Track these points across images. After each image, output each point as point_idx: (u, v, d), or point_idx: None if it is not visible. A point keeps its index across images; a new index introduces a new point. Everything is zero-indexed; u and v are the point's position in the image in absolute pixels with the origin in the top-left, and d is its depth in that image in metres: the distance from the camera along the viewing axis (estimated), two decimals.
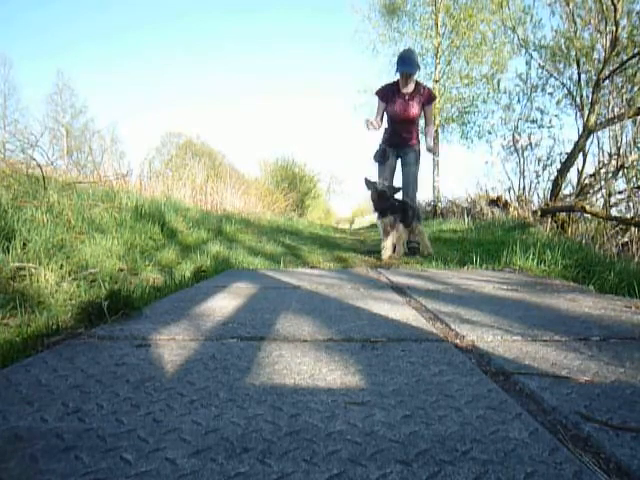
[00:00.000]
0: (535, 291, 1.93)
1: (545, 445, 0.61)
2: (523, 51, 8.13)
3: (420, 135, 4.05)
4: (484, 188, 8.15)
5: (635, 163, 5.86)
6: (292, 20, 57.66)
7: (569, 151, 6.53)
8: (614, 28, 5.75)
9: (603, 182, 6.06)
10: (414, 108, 3.74)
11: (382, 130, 3.96)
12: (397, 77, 3.78)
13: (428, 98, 3.79)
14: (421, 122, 4.36)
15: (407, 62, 3.63)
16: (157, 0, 52.14)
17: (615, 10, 5.66)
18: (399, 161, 3.90)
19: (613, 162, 6.07)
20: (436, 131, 11.86)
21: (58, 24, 42.98)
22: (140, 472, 0.54)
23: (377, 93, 3.83)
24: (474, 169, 20.29)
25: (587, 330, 1.23)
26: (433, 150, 3.93)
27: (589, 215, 5.11)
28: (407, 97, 3.72)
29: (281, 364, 0.94)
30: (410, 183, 3.81)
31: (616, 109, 6.24)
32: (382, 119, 3.85)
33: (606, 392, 0.79)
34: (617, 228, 4.79)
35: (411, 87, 3.71)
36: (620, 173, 5.93)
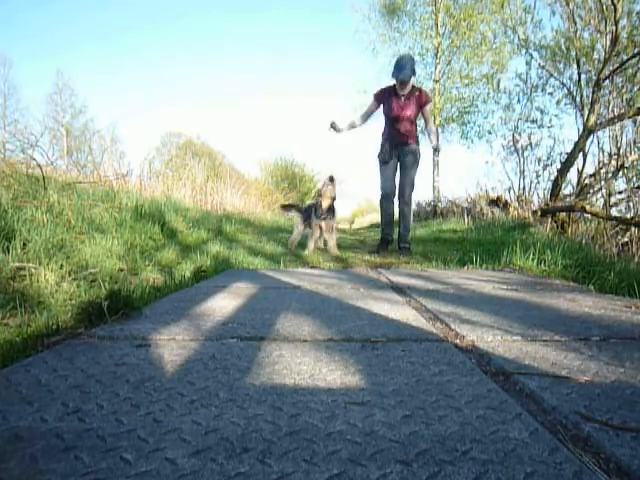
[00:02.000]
0: (535, 291, 1.93)
1: (545, 445, 0.61)
2: (523, 51, 8.14)
3: (420, 136, 4.19)
4: (484, 188, 8.14)
5: (635, 163, 5.85)
6: (292, 20, 57.64)
7: (569, 151, 6.53)
8: (614, 28, 5.74)
9: (603, 182, 6.06)
10: (409, 108, 3.92)
11: (382, 130, 4.14)
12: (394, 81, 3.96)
13: (424, 100, 3.96)
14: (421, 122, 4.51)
15: (403, 68, 3.79)
16: (157, 0, 52.15)
17: (615, 10, 5.65)
18: (398, 162, 4.04)
19: (613, 162, 6.07)
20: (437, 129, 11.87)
21: (58, 24, 42.99)
22: (140, 472, 0.54)
23: (375, 95, 4.02)
24: (474, 169, 20.28)
25: (587, 330, 1.23)
26: (437, 148, 4.16)
27: (589, 215, 5.10)
28: (403, 98, 3.91)
29: (281, 364, 0.94)
30: (406, 185, 3.97)
31: (616, 109, 6.24)
32: (367, 119, 4.09)
33: (606, 392, 0.79)
34: (617, 228, 4.79)
35: (407, 90, 3.90)
36: (620, 173, 5.93)
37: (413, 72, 3.85)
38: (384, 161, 3.99)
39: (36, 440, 0.61)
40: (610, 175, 6.03)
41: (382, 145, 4.03)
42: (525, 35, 8.12)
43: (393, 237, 4.13)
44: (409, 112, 3.92)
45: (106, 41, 47.91)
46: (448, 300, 1.69)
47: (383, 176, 4.05)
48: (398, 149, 3.96)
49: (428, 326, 1.29)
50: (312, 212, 3.85)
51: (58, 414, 0.70)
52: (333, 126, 3.94)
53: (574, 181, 6.64)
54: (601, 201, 6.02)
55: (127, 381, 0.84)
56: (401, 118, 3.91)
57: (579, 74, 7.11)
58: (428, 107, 3.97)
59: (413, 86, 3.92)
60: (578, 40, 6.88)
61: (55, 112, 22.89)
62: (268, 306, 1.56)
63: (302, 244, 4.09)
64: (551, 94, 7.83)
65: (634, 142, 5.91)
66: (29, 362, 0.95)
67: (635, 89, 6.27)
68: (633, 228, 4.52)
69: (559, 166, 6.71)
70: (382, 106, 3.99)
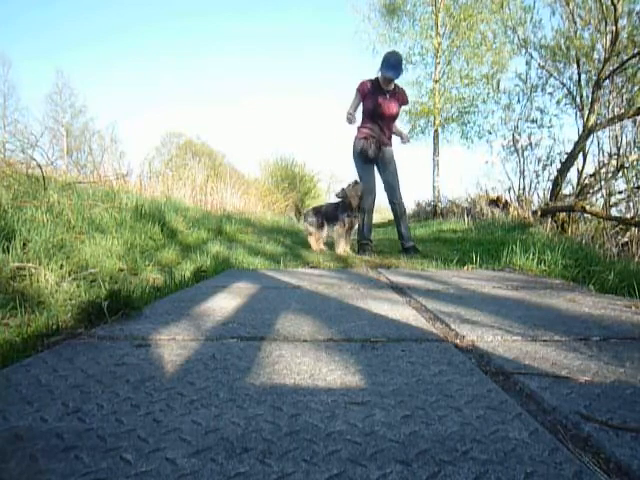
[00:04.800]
0: (535, 291, 1.93)
1: (545, 445, 0.61)
2: (523, 51, 8.13)
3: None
4: (484, 188, 8.14)
5: (635, 163, 5.85)
6: (292, 20, 57.70)
7: (569, 151, 6.53)
8: (614, 28, 5.74)
9: (603, 182, 6.05)
10: (395, 106, 3.87)
11: (356, 127, 3.99)
12: (378, 75, 3.85)
13: (405, 99, 3.96)
14: None
15: (394, 67, 3.71)
16: (157, 0, 52.19)
17: (615, 10, 5.65)
18: (377, 162, 3.95)
19: (613, 162, 6.06)
20: (436, 131, 11.89)
21: (58, 24, 43.01)
22: (140, 472, 0.54)
23: (358, 89, 3.85)
24: (474, 169, 20.33)
25: (587, 330, 1.23)
26: (408, 139, 4.08)
27: (589, 215, 5.11)
28: (388, 95, 3.82)
29: (281, 364, 0.94)
30: (397, 186, 3.89)
31: (616, 109, 6.24)
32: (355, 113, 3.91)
33: (606, 392, 0.79)
34: (617, 228, 4.78)
35: (391, 86, 3.83)
36: (620, 173, 5.92)
37: (402, 71, 3.82)
38: (367, 160, 3.85)
39: (36, 440, 0.61)
40: (610, 175, 6.02)
41: (363, 143, 3.84)
42: (525, 35, 8.11)
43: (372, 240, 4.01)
44: (395, 110, 3.86)
45: (106, 41, 47.98)
46: (448, 300, 1.69)
47: (366, 176, 3.88)
48: (379, 149, 3.85)
49: (428, 326, 1.29)
50: (339, 211, 3.85)
51: (58, 414, 0.70)
52: (349, 118, 3.79)
53: (574, 181, 6.64)
54: (601, 201, 6.01)
55: (127, 381, 0.84)
56: (388, 116, 3.82)
57: (579, 74, 7.11)
58: (403, 107, 3.99)
59: (395, 83, 3.86)
60: (578, 40, 6.88)
61: (55, 112, 22.89)
62: (268, 306, 1.56)
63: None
64: (551, 94, 7.83)
65: (634, 142, 5.90)
66: (29, 362, 0.95)
67: (635, 89, 6.27)
68: (633, 228, 4.52)
69: (559, 166, 6.71)
70: (364, 101, 3.84)
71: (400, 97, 3.91)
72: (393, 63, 3.71)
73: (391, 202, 3.94)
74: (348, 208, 3.80)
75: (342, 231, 3.85)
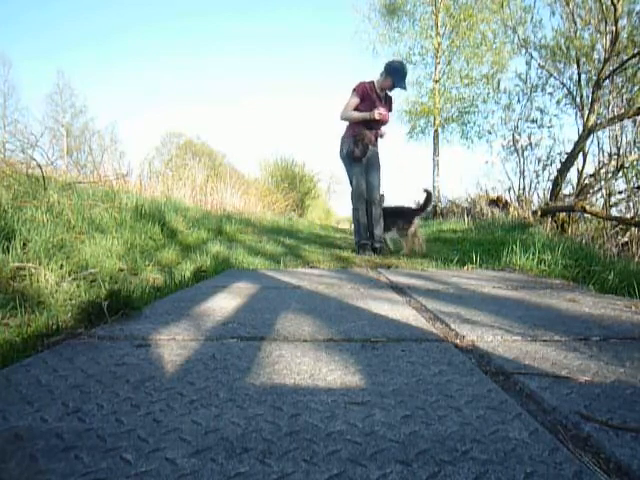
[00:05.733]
0: (535, 291, 1.93)
1: (545, 445, 0.61)
2: (523, 51, 8.13)
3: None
4: (484, 188, 8.14)
5: (635, 163, 5.84)
6: (292, 20, 57.68)
7: (569, 151, 6.53)
8: (614, 28, 5.74)
9: (603, 182, 6.05)
10: (387, 113, 3.94)
11: (345, 129, 4.04)
12: (376, 78, 3.90)
13: (392, 107, 4.06)
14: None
15: (403, 80, 3.81)
16: (157, 0, 52.22)
17: (615, 10, 5.65)
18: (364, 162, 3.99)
19: (613, 162, 6.06)
20: (436, 131, 11.89)
21: (58, 24, 43.02)
22: (140, 472, 0.54)
23: (357, 90, 3.86)
24: (474, 169, 20.35)
25: (587, 330, 1.23)
26: (382, 132, 4.07)
27: (589, 215, 5.10)
28: (383, 101, 3.91)
29: (281, 364, 0.94)
30: (377, 187, 3.93)
31: (616, 109, 6.23)
32: None
33: (606, 392, 0.79)
34: (617, 228, 4.78)
35: (384, 92, 3.93)
36: (620, 173, 5.92)
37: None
38: (357, 159, 3.85)
39: (36, 440, 0.61)
40: (610, 175, 6.02)
41: (353, 143, 3.84)
42: (525, 35, 8.11)
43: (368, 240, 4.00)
44: (388, 116, 3.92)
45: (106, 41, 47.92)
46: (448, 300, 1.69)
47: (357, 176, 3.88)
48: (367, 149, 3.86)
49: (428, 326, 1.29)
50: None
51: (58, 414, 0.70)
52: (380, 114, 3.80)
53: (574, 181, 6.63)
54: (601, 201, 6.01)
55: (127, 381, 0.84)
56: (383, 120, 3.87)
57: (579, 74, 7.10)
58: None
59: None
60: (578, 40, 6.88)
61: (55, 112, 22.92)
62: (268, 306, 1.56)
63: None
64: (551, 94, 7.82)
65: (634, 142, 5.90)
66: (29, 362, 0.95)
67: (635, 89, 6.27)
68: (633, 228, 4.52)
69: (559, 166, 6.71)
70: (361, 103, 3.85)
71: (390, 102, 4.01)
72: (404, 75, 3.80)
73: (369, 202, 3.91)
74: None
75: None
